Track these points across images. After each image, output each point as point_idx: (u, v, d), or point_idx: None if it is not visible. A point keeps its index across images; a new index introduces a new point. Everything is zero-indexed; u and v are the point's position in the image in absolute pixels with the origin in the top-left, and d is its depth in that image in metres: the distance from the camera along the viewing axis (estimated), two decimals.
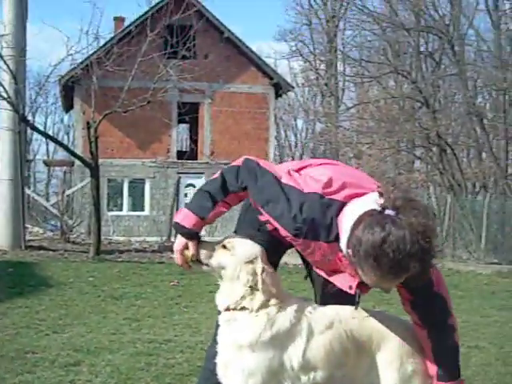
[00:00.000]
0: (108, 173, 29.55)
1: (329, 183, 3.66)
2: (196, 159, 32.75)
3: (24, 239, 20.06)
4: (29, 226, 25.89)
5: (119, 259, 18.47)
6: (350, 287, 3.71)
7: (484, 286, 15.07)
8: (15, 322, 8.67)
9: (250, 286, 3.75)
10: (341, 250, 3.57)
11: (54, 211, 27.25)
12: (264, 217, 3.83)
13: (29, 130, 23.13)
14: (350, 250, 3.44)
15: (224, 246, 3.84)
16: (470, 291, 13.90)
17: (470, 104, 27.62)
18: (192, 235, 3.75)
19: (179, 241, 3.79)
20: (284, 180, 3.69)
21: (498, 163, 28.63)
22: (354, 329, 3.84)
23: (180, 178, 31.27)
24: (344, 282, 3.75)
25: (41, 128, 35.07)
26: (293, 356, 3.72)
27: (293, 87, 37.02)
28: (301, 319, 3.78)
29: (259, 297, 3.75)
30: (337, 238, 3.58)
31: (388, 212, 3.40)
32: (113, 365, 6.55)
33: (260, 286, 3.74)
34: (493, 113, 31.19)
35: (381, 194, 3.55)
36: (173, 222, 4.01)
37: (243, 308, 3.77)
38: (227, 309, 3.81)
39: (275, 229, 3.83)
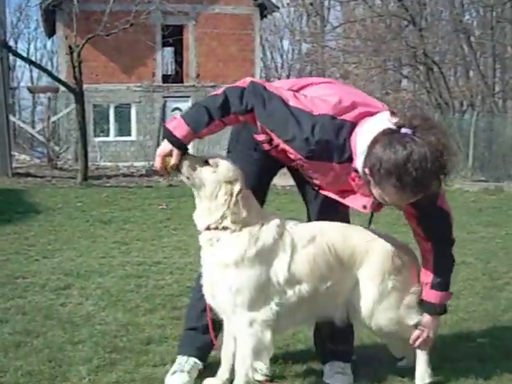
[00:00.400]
0: (93, 98, 29.29)
1: (339, 103, 3.64)
2: (182, 83, 32.42)
3: (11, 167, 20.01)
4: (15, 153, 25.80)
5: (107, 184, 18.48)
6: (365, 207, 3.76)
7: (471, 204, 15.17)
8: (4, 248, 8.69)
9: (228, 206, 3.75)
10: (355, 171, 3.59)
11: (40, 138, 27.11)
12: (260, 136, 3.81)
13: (12, 57, 22.84)
14: (367, 170, 3.48)
15: (207, 163, 3.82)
16: (457, 208, 13.90)
17: (456, 21, 27.30)
18: (179, 145, 3.71)
19: (165, 146, 3.74)
20: (292, 103, 3.65)
21: (486, 81, 28.47)
22: (336, 243, 3.88)
23: (166, 101, 31.05)
24: (357, 202, 3.79)
25: (24, 54, 34.52)
26: (278, 270, 3.76)
27: (278, 7, 36.45)
28: (283, 234, 3.82)
29: (239, 216, 3.76)
30: (349, 159, 3.59)
31: (405, 131, 3.41)
32: (103, 287, 6.59)
33: (231, 206, 3.74)
34: (480, 30, 30.90)
35: (393, 113, 3.54)
36: (163, 127, 3.98)
37: (225, 228, 3.77)
38: (207, 228, 3.81)
39: (272, 149, 3.83)
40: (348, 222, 4.22)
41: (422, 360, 4.07)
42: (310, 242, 3.85)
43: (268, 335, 3.77)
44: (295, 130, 3.60)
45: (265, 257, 3.77)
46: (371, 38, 28.51)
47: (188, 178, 3.82)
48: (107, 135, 31.37)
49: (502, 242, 9.73)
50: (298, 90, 3.83)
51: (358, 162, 3.55)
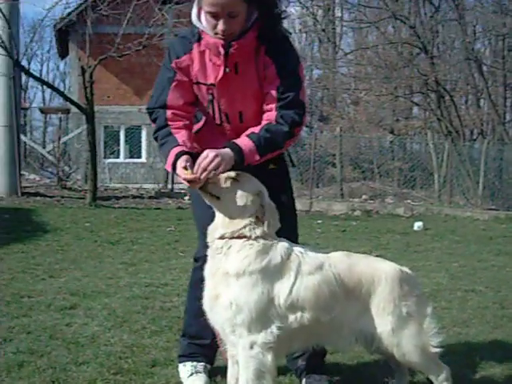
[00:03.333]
0: (104, 120, 29.37)
1: None
2: None
3: (20, 186, 20.00)
4: (25, 173, 25.86)
5: (116, 205, 18.45)
6: (216, 78, 4.09)
7: (481, 232, 15.06)
8: (11, 266, 8.65)
9: (257, 217, 3.73)
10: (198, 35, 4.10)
11: (51, 158, 27.14)
12: None
13: (24, 78, 22.93)
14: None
15: (233, 178, 3.80)
16: (467, 236, 13.91)
17: (468, 50, 27.33)
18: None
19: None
20: None
21: (496, 110, 28.49)
22: (343, 273, 3.85)
23: None
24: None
25: (36, 75, 34.71)
26: (280, 292, 3.71)
27: (290, 33, 36.34)
28: (291, 257, 3.79)
29: (261, 229, 3.75)
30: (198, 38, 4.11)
31: None
32: (109, 308, 6.53)
33: (266, 217, 3.74)
34: (492, 59, 30.97)
35: None
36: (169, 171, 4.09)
37: (240, 236, 3.75)
38: (221, 237, 3.78)
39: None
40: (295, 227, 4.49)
41: None
42: (316, 269, 3.81)
43: (270, 358, 3.72)
44: None
45: (268, 275, 3.72)
46: (383, 65, 28.56)
47: (218, 197, 3.81)
48: (117, 157, 31.40)
49: None
50: None
51: (196, 21, 4.08)
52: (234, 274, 3.70)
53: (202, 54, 4.11)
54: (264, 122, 4.03)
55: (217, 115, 4.23)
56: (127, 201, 20.03)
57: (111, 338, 5.49)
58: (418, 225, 15.14)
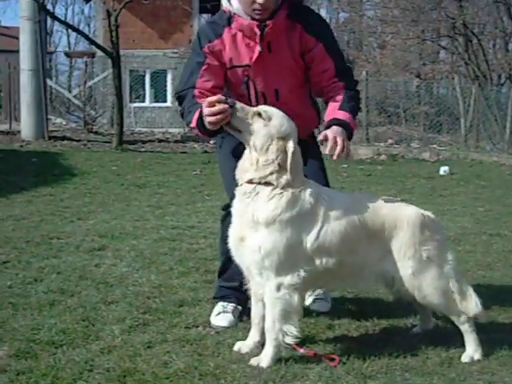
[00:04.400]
0: (130, 64, 29.27)
1: None
2: None
3: (47, 130, 20.12)
4: (52, 117, 25.93)
5: (142, 149, 18.53)
6: (251, 58, 4.26)
7: (507, 177, 14.98)
8: (40, 209, 8.78)
9: (279, 164, 3.75)
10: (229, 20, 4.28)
11: (77, 102, 27.18)
12: None
13: (49, 22, 22.89)
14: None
15: (259, 114, 3.80)
16: (493, 181, 13.84)
17: None
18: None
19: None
20: None
21: None
22: (367, 217, 3.90)
23: None
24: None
25: (62, 19, 34.58)
26: (308, 237, 3.77)
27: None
28: (318, 202, 3.81)
29: (287, 176, 3.76)
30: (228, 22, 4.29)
31: None
32: (137, 249, 6.64)
33: (289, 166, 3.74)
34: None
35: None
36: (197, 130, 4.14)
37: (267, 183, 3.77)
38: (249, 181, 3.81)
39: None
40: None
41: (471, 338, 4.06)
42: (342, 214, 3.87)
43: (296, 298, 3.81)
44: None
45: (298, 222, 3.77)
46: (409, 8, 28.10)
47: (239, 130, 3.82)
48: (143, 101, 31.34)
49: None
50: None
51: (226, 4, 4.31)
52: (264, 222, 3.74)
53: (233, 37, 4.28)
54: (339, 93, 4.26)
55: (252, 95, 4.38)
56: (153, 145, 20.09)
57: (139, 279, 5.60)
58: (443, 169, 15.07)
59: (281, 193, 3.77)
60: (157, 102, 31.36)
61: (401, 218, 3.97)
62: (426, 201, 10.40)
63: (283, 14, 4.24)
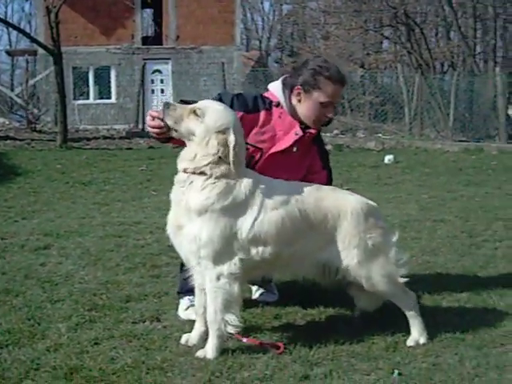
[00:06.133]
0: (73, 61, 28.97)
1: None
2: (161, 45, 32.07)
3: None
4: None
5: (87, 146, 18.39)
6: (296, 133, 4.45)
7: (451, 163, 15.21)
8: None
9: (219, 157, 3.74)
10: (276, 105, 4.49)
11: (19, 101, 26.83)
12: None
13: None
14: (298, 87, 4.42)
15: (194, 112, 3.79)
16: (437, 168, 14.05)
17: None
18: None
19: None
20: None
21: (466, 42, 28.44)
22: (309, 208, 3.92)
23: (146, 64, 30.69)
24: (289, 136, 4.47)
25: (1, 17, 34.08)
26: (243, 227, 3.78)
27: None
28: (256, 193, 3.81)
29: (224, 167, 3.75)
30: (269, 106, 4.49)
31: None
32: (83, 247, 6.58)
33: (232, 159, 3.74)
34: None
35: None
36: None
37: (202, 173, 3.77)
38: (184, 170, 3.81)
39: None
40: None
41: (416, 322, 4.12)
42: (281, 204, 3.88)
43: (236, 288, 3.83)
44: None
45: (231, 212, 3.77)
46: None
47: (176, 130, 3.81)
48: (87, 98, 31.05)
49: (481, 200, 9.77)
50: None
51: (281, 98, 4.48)
52: (196, 211, 3.74)
53: (265, 122, 4.50)
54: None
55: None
56: (98, 142, 19.96)
57: (85, 276, 5.55)
58: (388, 158, 15.24)
59: (214, 183, 3.76)
60: (101, 98, 31.08)
61: (344, 207, 3.99)
62: (372, 189, 10.51)
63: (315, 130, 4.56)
